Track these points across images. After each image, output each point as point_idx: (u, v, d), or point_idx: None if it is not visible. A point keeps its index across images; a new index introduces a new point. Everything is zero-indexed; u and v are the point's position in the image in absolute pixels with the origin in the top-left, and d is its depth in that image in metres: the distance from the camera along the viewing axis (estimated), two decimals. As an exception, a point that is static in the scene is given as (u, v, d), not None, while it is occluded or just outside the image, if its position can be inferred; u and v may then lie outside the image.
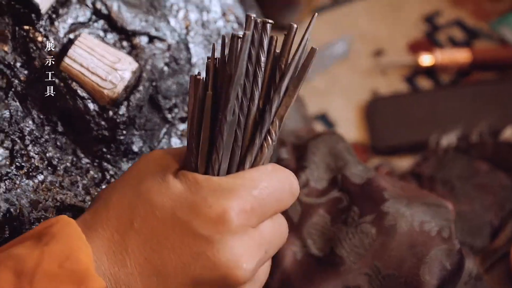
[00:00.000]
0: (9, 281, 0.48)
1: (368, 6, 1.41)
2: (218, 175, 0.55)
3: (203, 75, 0.55)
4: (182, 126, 0.70)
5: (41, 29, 0.65)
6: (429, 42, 1.34)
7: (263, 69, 0.55)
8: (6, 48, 0.63)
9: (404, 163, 1.17)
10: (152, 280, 0.52)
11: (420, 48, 1.33)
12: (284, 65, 0.56)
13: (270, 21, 0.55)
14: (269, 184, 0.55)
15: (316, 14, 0.56)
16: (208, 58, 0.55)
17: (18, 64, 0.64)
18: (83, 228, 0.53)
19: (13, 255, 0.50)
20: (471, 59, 1.28)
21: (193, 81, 0.55)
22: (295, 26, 0.55)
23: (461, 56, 1.28)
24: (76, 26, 0.66)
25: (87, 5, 0.67)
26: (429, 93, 1.27)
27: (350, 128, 1.24)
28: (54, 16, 0.65)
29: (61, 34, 0.65)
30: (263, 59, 0.54)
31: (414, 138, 1.21)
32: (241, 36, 0.53)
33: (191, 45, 0.70)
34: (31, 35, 0.64)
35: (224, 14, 0.72)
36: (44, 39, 0.64)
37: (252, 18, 0.53)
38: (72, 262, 0.50)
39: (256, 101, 0.55)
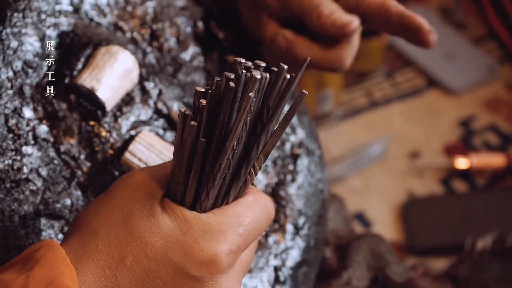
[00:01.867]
0: None
1: (404, 109, 1.44)
2: (204, 211, 0.57)
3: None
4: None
5: (105, 125, 0.68)
6: (465, 145, 1.37)
7: (252, 112, 0.55)
8: (72, 141, 0.67)
9: (439, 264, 1.18)
10: None
11: (455, 152, 1.35)
12: (272, 105, 0.55)
13: (263, 64, 0.55)
14: (252, 218, 0.58)
15: (309, 58, 0.57)
16: (197, 95, 0.55)
17: (82, 157, 0.67)
18: (72, 258, 0.54)
19: (0, 280, 0.51)
20: (506, 163, 1.30)
21: (182, 117, 0.55)
22: (285, 67, 0.55)
23: (496, 160, 1.30)
24: (138, 124, 0.69)
25: (149, 105, 0.70)
26: (465, 196, 1.29)
27: (386, 228, 1.26)
28: (118, 113, 0.69)
29: (124, 130, 0.68)
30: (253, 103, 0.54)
31: (450, 240, 1.22)
32: (232, 86, 0.53)
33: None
34: (96, 130, 0.68)
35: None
36: (108, 134, 0.68)
37: (242, 65, 0.53)
38: (56, 287, 0.51)
39: (243, 141, 0.56)
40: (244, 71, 0.54)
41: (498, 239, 1.14)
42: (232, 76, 0.54)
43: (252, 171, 0.57)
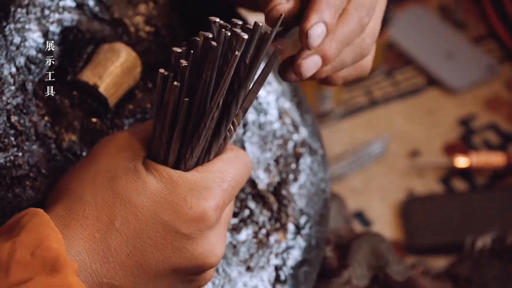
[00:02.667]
0: None
1: (404, 108, 1.44)
2: (188, 169, 0.58)
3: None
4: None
5: (108, 122, 0.68)
6: (465, 144, 1.37)
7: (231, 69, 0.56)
8: (74, 138, 0.67)
9: (439, 263, 1.18)
10: (133, 272, 0.55)
11: (455, 151, 1.35)
12: (249, 62, 0.56)
13: (240, 22, 0.56)
14: (235, 174, 0.59)
15: (283, 15, 0.58)
16: (175, 56, 0.56)
17: (84, 153, 0.66)
18: (59, 225, 0.55)
19: None
20: (506, 162, 1.30)
21: (162, 78, 0.56)
22: (260, 24, 0.56)
23: (496, 159, 1.31)
24: (140, 121, 0.69)
25: (151, 101, 0.70)
26: (464, 195, 1.29)
27: (386, 227, 1.26)
28: (120, 110, 0.68)
29: (126, 127, 0.68)
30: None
31: (449, 239, 1.22)
32: (214, 45, 0.54)
33: (247, 144, 0.73)
34: (98, 127, 0.67)
35: (280, 117, 0.75)
36: (110, 131, 0.67)
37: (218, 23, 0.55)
38: (43, 250, 0.51)
39: (223, 97, 0.56)
40: (223, 30, 0.55)
41: (498, 238, 1.14)
42: (210, 35, 0.55)
43: (232, 127, 0.58)
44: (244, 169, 0.60)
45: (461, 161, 1.32)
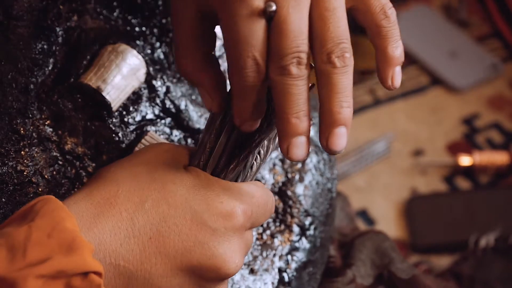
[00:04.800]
0: (3, 256, 0.50)
1: (408, 107, 1.45)
2: (225, 178, 0.60)
3: None
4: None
5: (111, 125, 0.67)
6: (468, 143, 1.37)
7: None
8: (77, 142, 0.66)
9: (442, 261, 1.18)
10: (151, 259, 0.55)
11: (459, 150, 1.36)
12: None
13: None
14: (261, 197, 0.60)
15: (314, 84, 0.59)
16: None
17: (86, 157, 0.66)
18: (88, 203, 0.55)
19: (2, 233, 0.52)
20: (509, 161, 1.31)
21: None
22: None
23: (500, 158, 1.31)
24: (144, 123, 0.68)
25: (156, 103, 0.69)
26: (468, 194, 1.30)
27: (389, 225, 1.26)
28: (124, 112, 0.67)
29: (130, 129, 0.67)
30: None
31: (453, 237, 1.23)
32: None
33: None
34: (101, 131, 0.67)
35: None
36: (113, 135, 0.67)
37: None
38: (59, 231, 0.51)
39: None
40: None
41: (501, 237, 1.14)
42: None
43: (258, 156, 0.60)
44: (270, 199, 0.61)
45: (465, 160, 1.32)
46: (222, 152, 0.60)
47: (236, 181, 0.61)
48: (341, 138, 0.55)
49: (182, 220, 0.56)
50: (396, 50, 0.57)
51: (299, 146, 0.55)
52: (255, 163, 0.61)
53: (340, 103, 0.54)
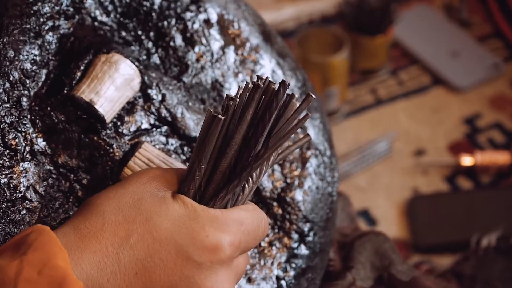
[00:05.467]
0: None
1: (409, 107, 1.45)
2: (213, 206, 0.60)
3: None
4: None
5: (105, 137, 0.66)
6: (469, 143, 1.38)
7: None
8: (70, 154, 0.65)
9: (444, 261, 1.19)
10: None
11: (460, 149, 1.36)
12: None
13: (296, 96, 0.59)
14: (252, 221, 0.60)
15: (310, 137, 0.61)
16: (229, 99, 0.59)
17: (80, 170, 0.65)
18: (75, 236, 0.55)
19: None
20: (511, 161, 1.31)
21: (209, 116, 0.59)
22: (313, 96, 0.59)
23: (501, 158, 1.31)
24: (140, 133, 0.68)
25: (152, 112, 0.68)
26: (469, 194, 1.30)
27: (391, 225, 1.26)
28: (118, 123, 0.67)
29: (124, 141, 0.67)
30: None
31: (454, 237, 1.23)
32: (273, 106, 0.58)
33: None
34: (95, 143, 0.66)
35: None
36: (107, 147, 0.66)
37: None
38: (50, 269, 0.51)
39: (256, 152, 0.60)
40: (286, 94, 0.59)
41: (503, 237, 1.14)
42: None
43: (250, 179, 0.61)
44: (262, 222, 0.61)
45: (466, 160, 1.32)
46: (211, 180, 0.60)
47: (226, 206, 0.60)
48: None
49: (167, 255, 0.56)
50: None
51: None
52: (247, 186, 0.61)
53: None
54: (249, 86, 0.59)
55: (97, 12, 0.68)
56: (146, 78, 0.68)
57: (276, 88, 0.58)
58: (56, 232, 0.56)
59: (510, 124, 1.40)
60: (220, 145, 0.59)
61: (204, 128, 0.59)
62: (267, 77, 0.60)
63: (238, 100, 0.59)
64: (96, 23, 0.68)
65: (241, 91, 0.59)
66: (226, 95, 0.59)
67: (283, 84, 0.58)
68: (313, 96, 0.59)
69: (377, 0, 1.42)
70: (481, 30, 1.56)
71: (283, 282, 0.71)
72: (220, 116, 0.57)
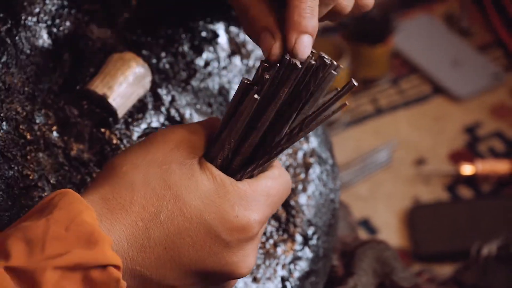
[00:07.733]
0: (21, 250, 0.50)
1: (410, 116, 1.45)
2: (241, 179, 0.59)
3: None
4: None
5: (117, 132, 0.67)
6: (470, 152, 1.38)
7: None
8: (82, 147, 0.67)
9: (445, 270, 1.19)
10: (166, 266, 0.56)
11: (461, 158, 1.36)
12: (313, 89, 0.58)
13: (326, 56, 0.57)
14: (278, 191, 0.60)
15: (355, 83, 0.58)
16: (263, 68, 0.57)
17: (92, 163, 0.66)
18: (104, 208, 0.56)
19: (21, 227, 0.52)
20: (511, 170, 1.31)
21: (243, 87, 0.57)
22: (335, 63, 0.57)
23: (502, 167, 1.31)
24: (149, 131, 0.69)
25: (161, 111, 0.70)
26: (470, 202, 1.30)
27: (392, 234, 1.26)
28: (129, 120, 0.68)
29: (135, 137, 0.68)
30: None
31: (455, 246, 1.23)
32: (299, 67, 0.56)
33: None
34: (107, 137, 0.67)
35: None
36: (119, 141, 0.67)
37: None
38: (77, 224, 0.52)
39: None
40: (311, 59, 0.57)
41: (503, 245, 1.14)
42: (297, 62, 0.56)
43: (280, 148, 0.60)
44: (286, 187, 0.62)
45: (467, 169, 1.32)
46: (239, 151, 0.59)
47: (252, 176, 0.60)
48: (307, 46, 0.57)
49: (196, 233, 0.57)
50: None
51: (305, 44, 0.56)
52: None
53: (305, 12, 0.57)
54: (286, 63, 0.57)
55: (109, 17, 0.70)
56: (157, 77, 0.69)
57: (317, 66, 0.57)
58: (83, 195, 0.56)
59: (510, 133, 1.40)
60: (251, 118, 0.58)
61: (236, 98, 0.58)
62: (316, 52, 0.58)
63: (273, 74, 0.57)
64: (108, 27, 0.70)
65: (277, 67, 0.57)
66: (260, 66, 0.57)
67: (324, 64, 0.56)
68: (355, 83, 0.58)
69: (377, 10, 1.42)
70: (481, 39, 1.57)
71: (287, 283, 0.72)
72: (256, 96, 0.56)
